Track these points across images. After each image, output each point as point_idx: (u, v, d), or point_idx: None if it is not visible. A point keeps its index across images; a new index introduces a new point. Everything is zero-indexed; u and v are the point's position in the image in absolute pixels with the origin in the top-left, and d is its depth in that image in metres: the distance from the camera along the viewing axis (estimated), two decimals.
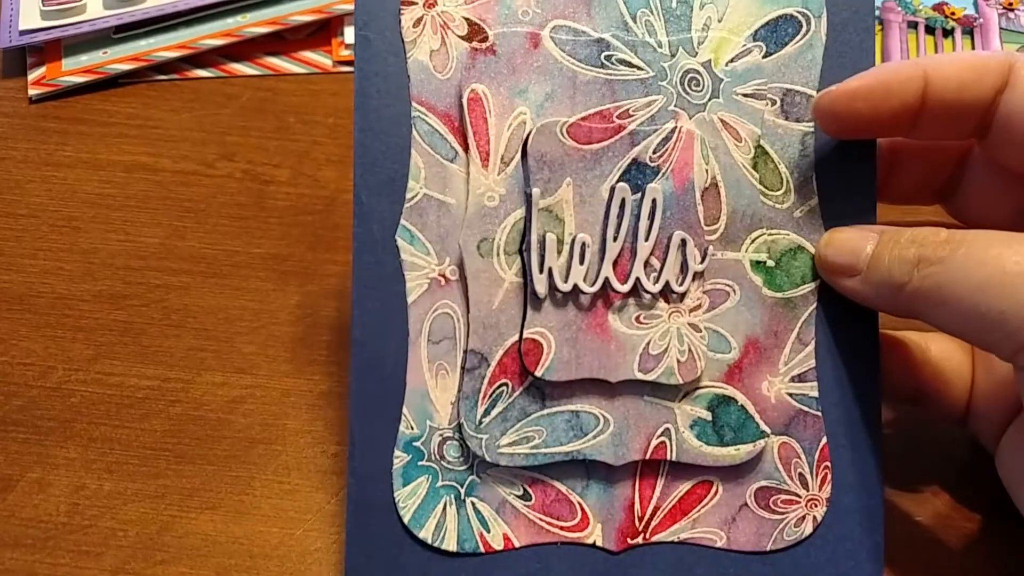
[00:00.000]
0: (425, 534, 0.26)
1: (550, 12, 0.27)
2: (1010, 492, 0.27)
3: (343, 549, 0.26)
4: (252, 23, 0.43)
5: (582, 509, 0.27)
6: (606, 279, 0.26)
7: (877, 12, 0.43)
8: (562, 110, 0.27)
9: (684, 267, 0.27)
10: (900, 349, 0.29)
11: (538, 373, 0.26)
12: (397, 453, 0.26)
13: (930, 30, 0.43)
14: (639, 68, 0.27)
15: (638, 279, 0.26)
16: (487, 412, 0.26)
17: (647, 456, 0.26)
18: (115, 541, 0.30)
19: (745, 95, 0.27)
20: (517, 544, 0.26)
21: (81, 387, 0.33)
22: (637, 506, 0.27)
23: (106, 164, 0.39)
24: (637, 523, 0.27)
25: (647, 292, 0.26)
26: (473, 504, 0.26)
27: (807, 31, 0.27)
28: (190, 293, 0.35)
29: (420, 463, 0.26)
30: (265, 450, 0.32)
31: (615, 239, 0.26)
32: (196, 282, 0.36)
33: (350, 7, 0.43)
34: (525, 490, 0.27)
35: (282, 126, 0.41)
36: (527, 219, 0.26)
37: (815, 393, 0.27)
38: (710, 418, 0.27)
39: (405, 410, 0.26)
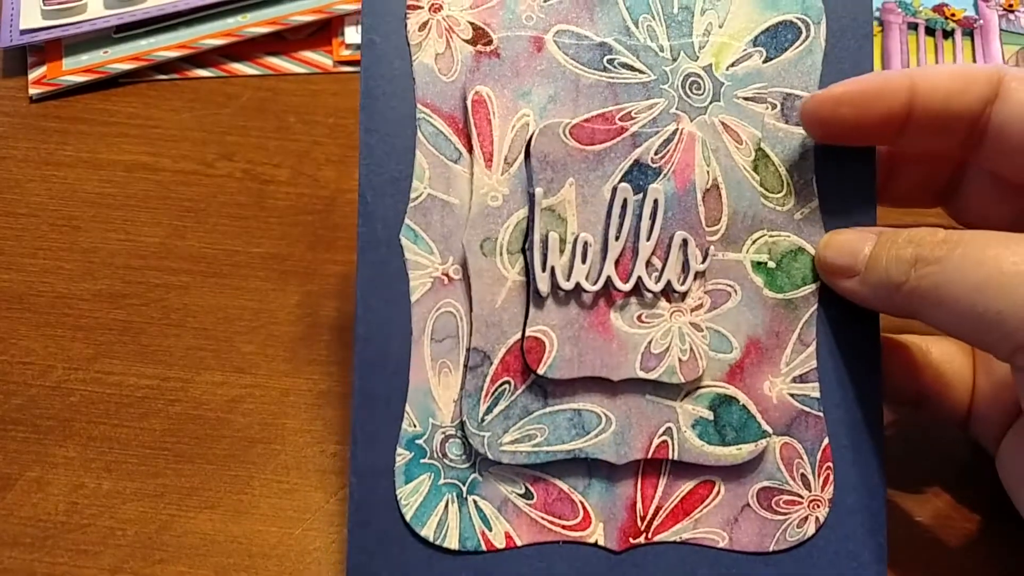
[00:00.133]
0: (427, 532, 0.26)
1: (553, 17, 0.28)
2: (1011, 495, 0.27)
3: (342, 548, 0.26)
4: (252, 23, 0.43)
5: (584, 508, 0.27)
6: (608, 278, 0.26)
7: (877, 14, 0.43)
8: (565, 112, 0.27)
9: (686, 267, 0.27)
10: (901, 352, 0.29)
11: (540, 371, 0.26)
12: (399, 450, 0.26)
13: (930, 31, 0.43)
14: (641, 72, 0.27)
15: (640, 278, 0.26)
16: (489, 410, 0.26)
17: (649, 455, 0.26)
18: (114, 540, 0.30)
19: (746, 99, 0.27)
20: (519, 543, 0.26)
21: (80, 386, 0.33)
22: (639, 505, 0.27)
23: (106, 163, 0.39)
24: (639, 523, 0.27)
25: (649, 291, 0.26)
26: (475, 502, 0.26)
27: (807, 37, 0.28)
28: (190, 293, 0.35)
29: (422, 461, 0.26)
30: (264, 449, 0.32)
31: (617, 238, 0.26)
32: (196, 282, 0.36)
33: (351, 7, 0.43)
34: (527, 488, 0.27)
35: (282, 126, 0.41)
36: (530, 219, 0.26)
37: (817, 394, 0.27)
38: (712, 418, 0.27)
39: (408, 408, 0.26)
